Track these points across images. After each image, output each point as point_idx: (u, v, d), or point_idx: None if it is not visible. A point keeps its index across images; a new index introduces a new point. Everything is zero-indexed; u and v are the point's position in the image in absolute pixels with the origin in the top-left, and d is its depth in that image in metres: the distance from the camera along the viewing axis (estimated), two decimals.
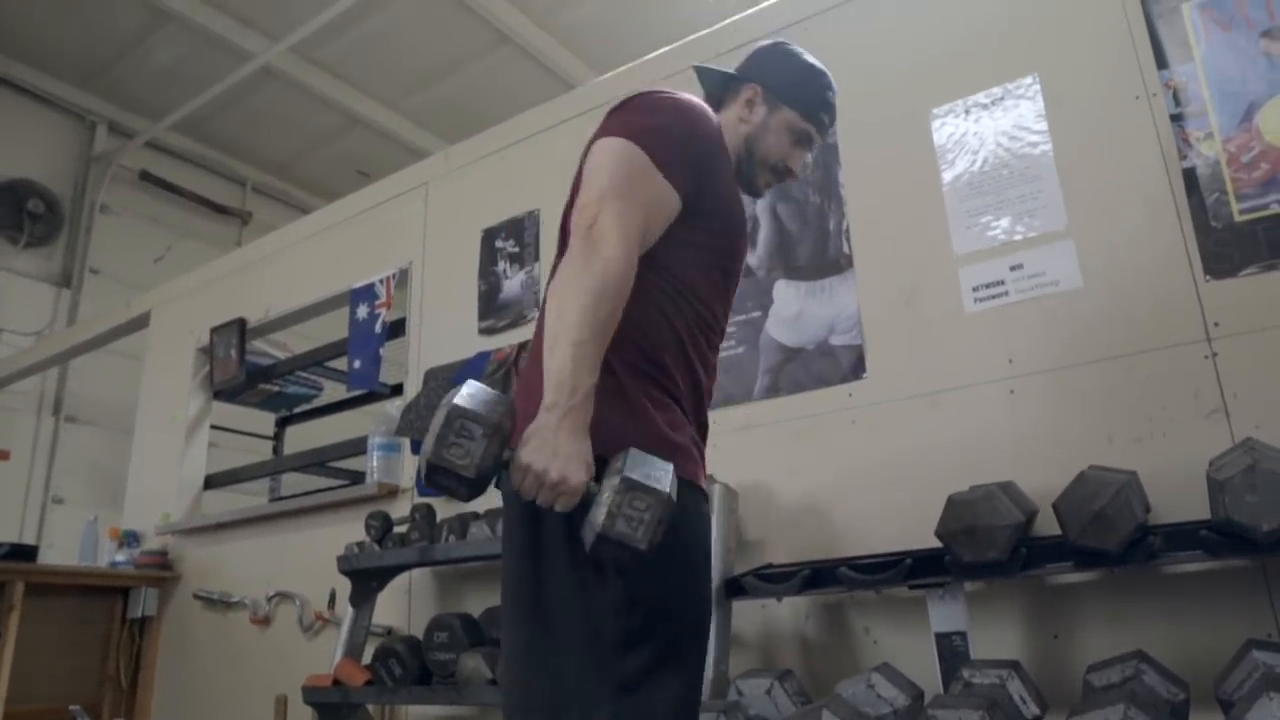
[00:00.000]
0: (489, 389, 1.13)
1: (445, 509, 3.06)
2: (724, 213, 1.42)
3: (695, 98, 1.43)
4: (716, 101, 1.60)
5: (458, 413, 1.08)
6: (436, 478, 1.09)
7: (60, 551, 5.26)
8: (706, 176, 1.36)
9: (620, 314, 1.18)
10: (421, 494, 3.19)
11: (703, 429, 1.42)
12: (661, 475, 1.10)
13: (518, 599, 1.24)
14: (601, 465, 1.13)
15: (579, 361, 1.12)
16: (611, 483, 1.08)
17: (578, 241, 1.21)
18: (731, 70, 1.63)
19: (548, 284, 1.33)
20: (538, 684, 1.19)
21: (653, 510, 1.07)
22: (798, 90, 1.59)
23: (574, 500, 1.10)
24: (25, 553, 3.85)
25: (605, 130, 1.34)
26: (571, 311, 1.15)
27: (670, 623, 1.22)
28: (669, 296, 1.32)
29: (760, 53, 1.65)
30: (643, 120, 1.33)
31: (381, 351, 3.61)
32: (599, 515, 1.08)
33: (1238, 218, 2.02)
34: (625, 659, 1.16)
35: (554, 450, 1.09)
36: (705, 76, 1.66)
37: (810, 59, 1.64)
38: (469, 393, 1.10)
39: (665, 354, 1.30)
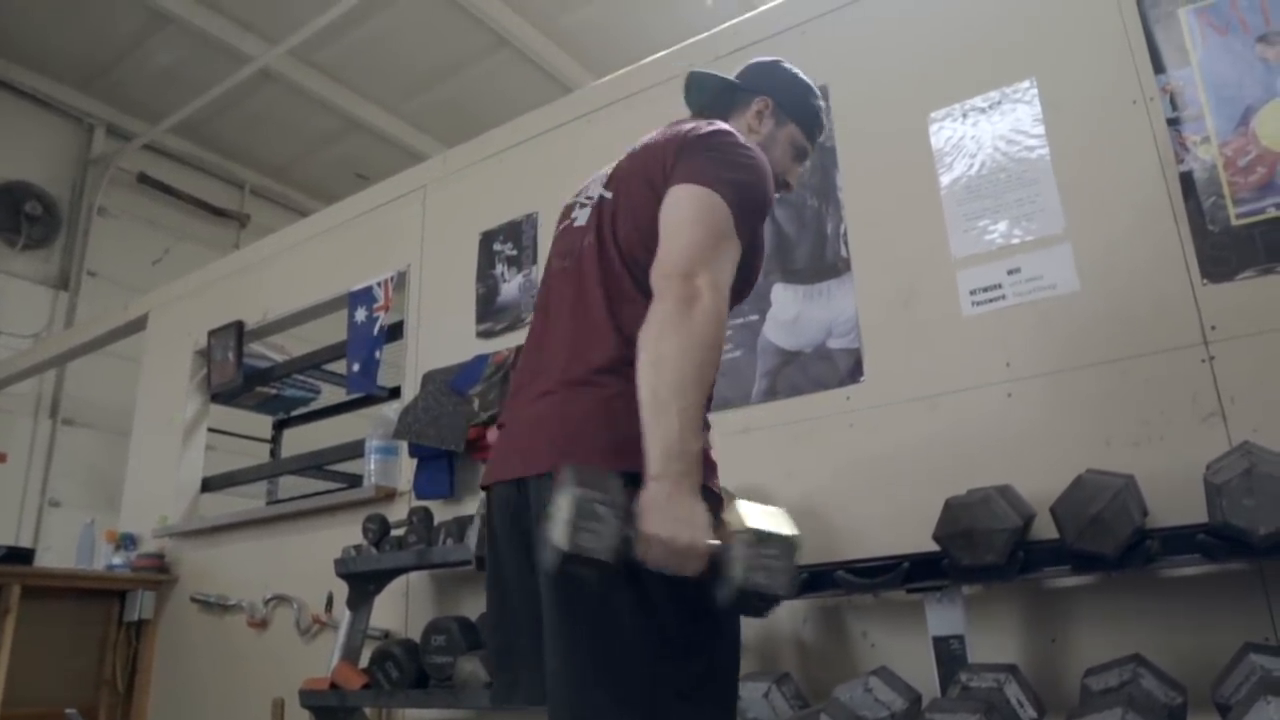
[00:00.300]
0: (596, 468, 1.12)
1: (442, 512, 3.06)
2: (757, 245, 1.45)
3: (758, 149, 1.44)
4: (721, 108, 1.61)
5: (585, 499, 1.07)
6: (571, 566, 1.08)
7: (57, 554, 5.24)
8: (759, 227, 1.40)
9: (714, 377, 1.21)
10: (420, 497, 3.19)
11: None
12: (784, 521, 1.12)
13: (581, 660, 1.22)
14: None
15: (687, 426, 1.13)
16: (743, 537, 1.09)
17: (672, 305, 1.20)
18: (732, 78, 1.65)
19: (554, 297, 1.37)
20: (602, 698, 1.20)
21: (786, 557, 1.09)
22: (801, 106, 1.66)
23: (703, 562, 1.10)
24: (22, 555, 3.85)
25: (695, 174, 1.32)
26: (675, 374, 1.15)
27: (724, 674, 1.25)
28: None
29: (763, 66, 1.70)
30: (732, 176, 1.33)
31: (378, 354, 3.61)
32: (736, 570, 1.08)
33: (1234, 221, 2.02)
34: (684, 667, 1.18)
35: (675, 517, 1.10)
36: (707, 81, 1.67)
37: (805, 76, 1.70)
38: (584, 478, 1.09)
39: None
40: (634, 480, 1.14)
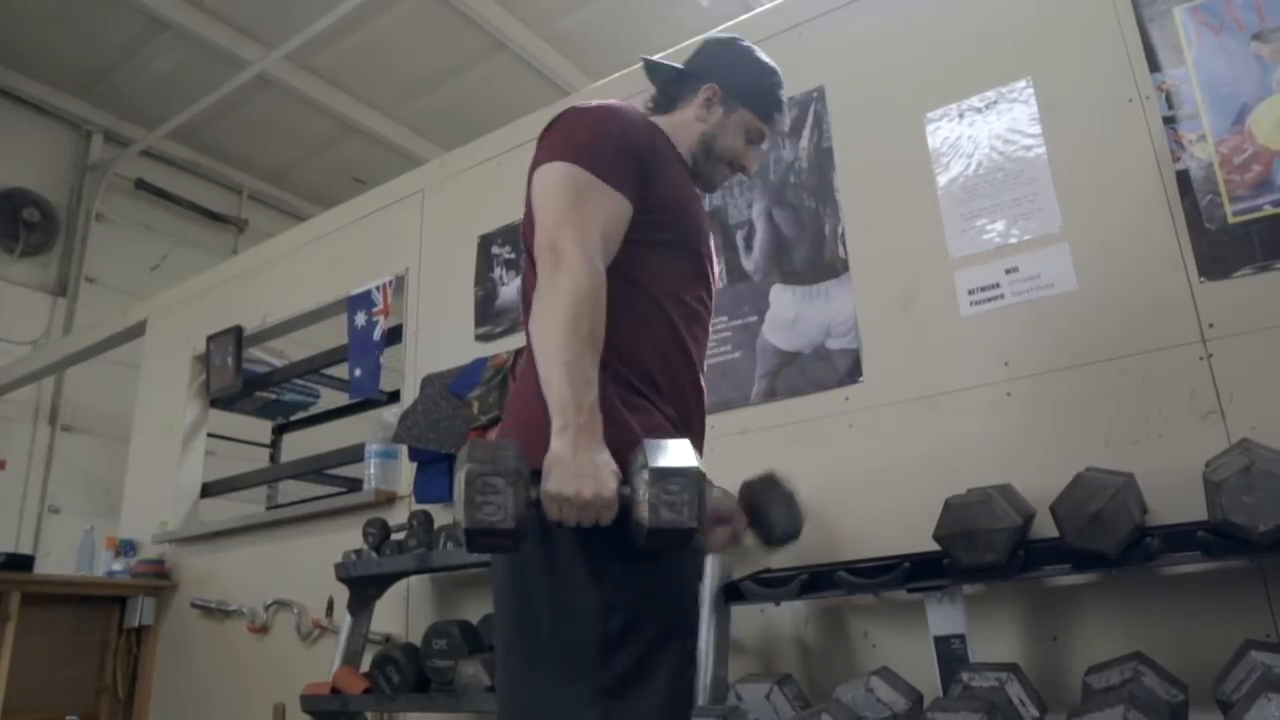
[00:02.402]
0: (489, 441, 1.14)
1: (443, 516, 3.06)
2: (674, 200, 1.44)
3: (616, 101, 1.45)
4: (669, 98, 1.61)
5: (474, 474, 1.08)
6: (480, 540, 1.09)
7: (57, 561, 5.25)
8: (648, 173, 1.38)
9: (602, 326, 1.20)
10: (420, 501, 3.19)
11: (698, 418, 1.44)
12: (684, 453, 1.12)
13: (506, 623, 1.26)
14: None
15: (575, 379, 1.14)
16: (641, 478, 1.10)
17: (544, 268, 1.23)
18: (682, 65, 1.64)
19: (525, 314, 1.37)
20: (522, 696, 1.21)
21: (689, 489, 1.09)
22: (752, 90, 1.62)
23: (613, 511, 1.11)
24: (22, 562, 3.84)
25: (543, 156, 1.36)
26: (554, 334, 1.17)
27: (648, 626, 1.22)
28: (644, 300, 1.35)
29: (713, 48, 1.67)
30: (575, 137, 1.35)
31: (379, 358, 3.61)
32: (642, 513, 1.09)
33: (1231, 219, 2.02)
34: (608, 664, 1.17)
35: (578, 471, 1.10)
36: (656, 71, 1.67)
37: (762, 56, 1.66)
38: (474, 453, 1.10)
39: (645, 357, 1.33)
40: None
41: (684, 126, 1.56)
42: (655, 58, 1.71)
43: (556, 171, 1.32)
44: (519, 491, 1.09)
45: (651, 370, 1.33)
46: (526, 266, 1.43)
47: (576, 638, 1.18)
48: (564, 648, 1.19)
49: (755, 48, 1.67)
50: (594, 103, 1.43)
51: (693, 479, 1.09)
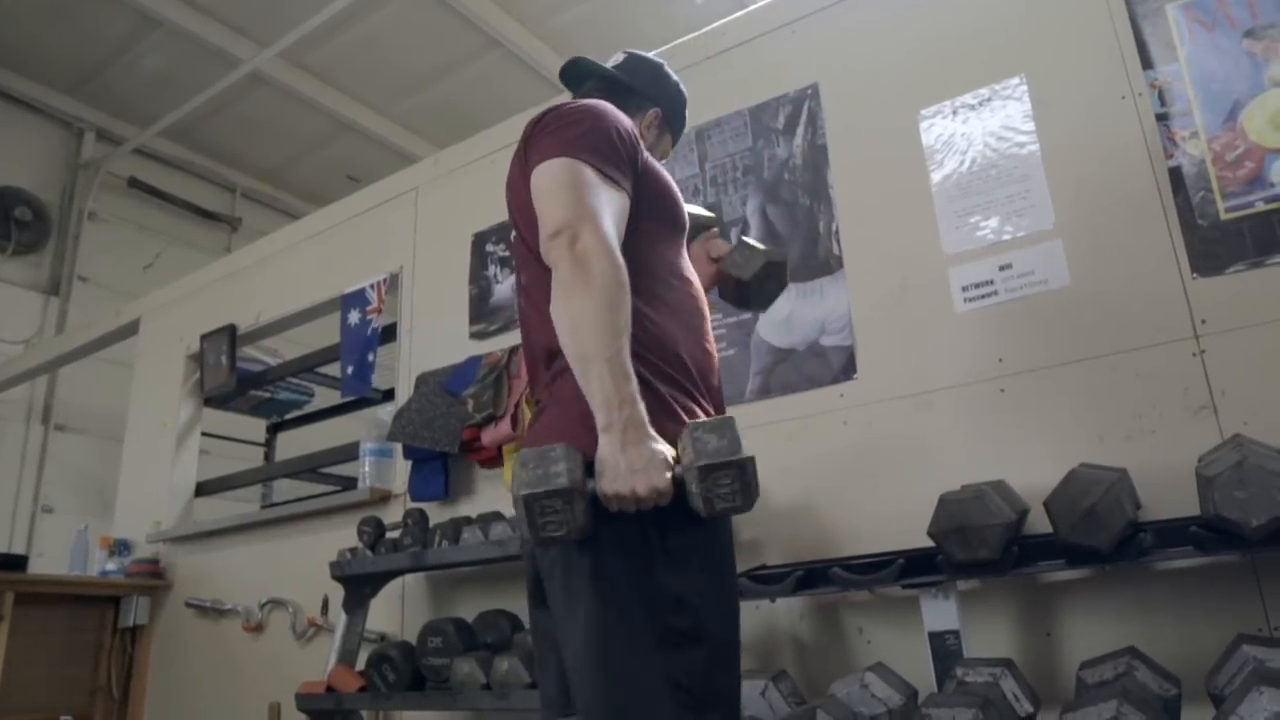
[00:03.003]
0: (537, 452, 1.15)
1: (438, 514, 3.06)
2: (660, 181, 1.47)
3: (595, 100, 1.47)
4: (617, 101, 1.60)
5: (531, 500, 1.11)
6: (548, 549, 1.17)
7: (50, 561, 5.24)
8: (639, 164, 1.41)
9: (629, 318, 1.21)
10: (415, 499, 3.19)
11: (717, 394, 1.44)
12: (730, 442, 1.14)
13: (577, 611, 1.22)
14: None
15: (616, 374, 1.15)
16: (691, 474, 1.12)
17: (566, 267, 1.22)
18: (622, 74, 1.70)
19: (524, 304, 1.40)
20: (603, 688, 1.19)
21: (739, 478, 1.12)
22: (678, 119, 1.79)
23: (669, 498, 1.14)
24: (15, 562, 3.83)
25: (540, 154, 1.36)
26: (590, 331, 1.17)
27: (716, 620, 1.23)
28: (659, 285, 1.37)
29: (654, 72, 1.76)
30: (570, 134, 1.35)
31: (371, 357, 3.61)
32: (697, 504, 1.13)
33: (1224, 216, 2.03)
34: (677, 658, 1.17)
35: (629, 468, 1.12)
36: (590, 70, 1.71)
37: (681, 83, 1.80)
38: (525, 474, 1.12)
39: (675, 341, 1.33)
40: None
41: None
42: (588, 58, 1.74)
43: (559, 168, 1.31)
44: (576, 505, 1.11)
45: (682, 354, 1.34)
46: (525, 261, 1.42)
47: (652, 629, 1.17)
48: (641, 643, 1.18)
49: (676, 75, 1.80)
50: (577, 102, 1.45)
51: (740, 469, 1.12)
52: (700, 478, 1.11)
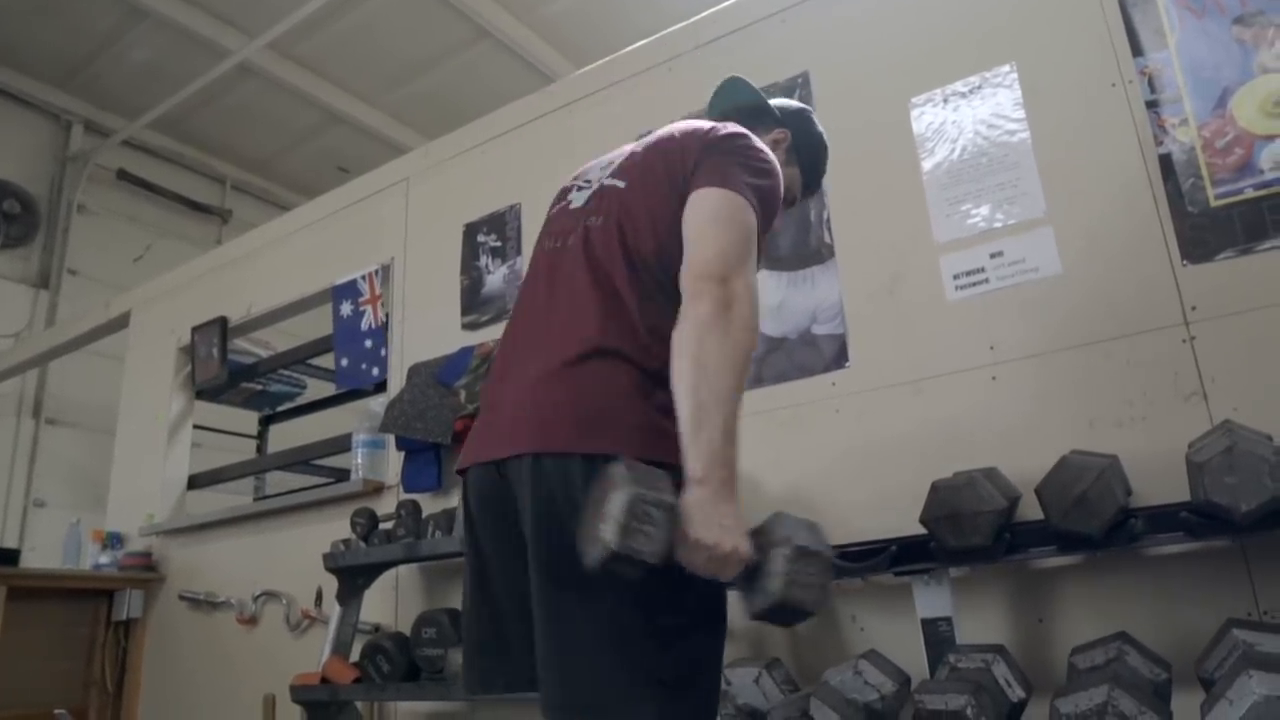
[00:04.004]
0: (644, 466, 1.11)
1: (431, 505, 3.06)
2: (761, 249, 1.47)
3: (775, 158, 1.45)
4: (742, 122, 1.56)
5: (639, 498, 1.06)
6: (615, 565, 1.07)
7: (43, 554, 5.22)
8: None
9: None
10: (407, 490, 3.19)
11: None
12: (821, 537, 1.12)
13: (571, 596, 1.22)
14: (670, 469, 1.15)
15: (730, 434, 1.15)
16: (783, 551, 1.10)
17: (709, 306, 1.20)
18: (768, 101, 1.71)
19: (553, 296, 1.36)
20: (586, 671, 1.20)
21: (824, 574, 1.10)
22: (813, 157, 1.75)
23: (740, 568, 1.11)
24: (7, 557, 3.82)
25: (721, 179, 1.32)
26: (719, 383, 1.16)
27: (704, 619, 1.24)
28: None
29: (796, 108, 1.76)
30: (756, 181, 1.34)
31: (369, 346, 3.60)
32: (775, 584, 1.09)
33: (1213, 203, 2.04)
34: (664, 657, 1.18)
35: (721, 524, 1.10)
36: (742, 91, 1.72)
37: (825, 134, 1.78)
38: (637, 476, 1.08)
39: None
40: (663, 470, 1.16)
41: None
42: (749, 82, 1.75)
43: (740, 204, 1.29)
44: (672, 526, 1.08)
45: None
46: (617, 252, 1.34)
47: (639, 625, 1.18)
48: (627, 639, 1.18)
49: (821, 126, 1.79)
50: (766, 150, 1.42)
51: (828, 564, 1.10)
52: (792, 558, 1.09)
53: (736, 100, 1.72)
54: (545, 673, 1.22)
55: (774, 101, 1.74)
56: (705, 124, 1.45)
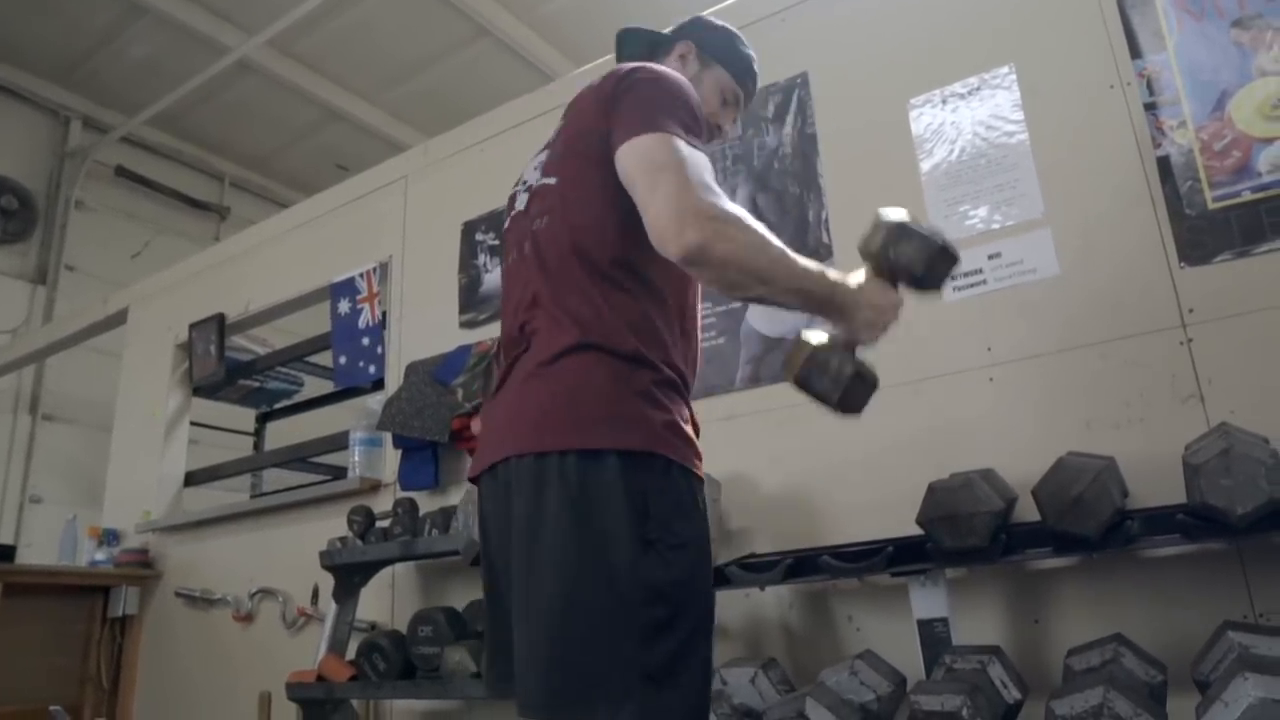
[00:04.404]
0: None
1: (427, 503, 3.05)
2: None
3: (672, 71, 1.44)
4: (646, 56, 1.61)
5: (820, 353, 1.37)
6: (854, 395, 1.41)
7: (39, 551, 5.22)
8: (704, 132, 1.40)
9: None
10: (404, 488, 3.19)
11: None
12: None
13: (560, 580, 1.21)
14: (646, 457, 1.21)
15: (801, 290, 1.30)
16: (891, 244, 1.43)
17: (705, 251, 1.19)
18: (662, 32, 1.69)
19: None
20: (572, 660, 1.19)
21: (927, 243, 1.42)
22: (728, 52, 1.69)
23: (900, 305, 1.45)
24: (3, 553, 3.82)
25: (634, 128, 1.29)
26: (766, 271, 1.24)
27: (691, 612, 1.23)
28: (657, 298, 1.35)
29: (689, 20, 1.74)
30: (670, 103, 1.33)
31: (366, 343, 3.60)
32: (917, 264, 1.43)
33: (1211, 205, 2.04)
34: (651, 650, 1.17)
35: (870, 304, 1.39)
36: (633, 37, 1.72)
37: (732, 27, 1.74)
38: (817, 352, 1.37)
39: (671, 352, 1.33)
40: (625, 457, 1.19)
41: None
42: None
43: (663, 141, 1.27)
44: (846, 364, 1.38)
45: (677, 362, 1.34)
46: (564, 250, 1.33)
47: (628, 617, 1.17)
48: (611, 633, 1.18)
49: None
50: (661, 66, 1.42)
51: (928, 239, 1.41)
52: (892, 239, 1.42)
53: (633, 50, 1.71)
54: (526, 671, 1.22)
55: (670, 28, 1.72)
56: (600, 79, 1.44)
